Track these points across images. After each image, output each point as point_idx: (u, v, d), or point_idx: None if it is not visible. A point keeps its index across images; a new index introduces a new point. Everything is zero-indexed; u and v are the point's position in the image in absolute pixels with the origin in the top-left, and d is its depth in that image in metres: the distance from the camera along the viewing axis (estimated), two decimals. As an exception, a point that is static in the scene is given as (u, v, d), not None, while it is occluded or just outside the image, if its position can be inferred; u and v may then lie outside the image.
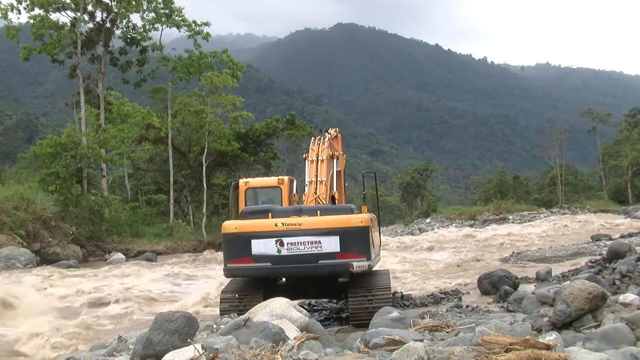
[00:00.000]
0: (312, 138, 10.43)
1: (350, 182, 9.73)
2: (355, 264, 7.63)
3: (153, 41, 33.55)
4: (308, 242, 7.68)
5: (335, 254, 7.67)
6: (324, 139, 10.19)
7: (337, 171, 10.61)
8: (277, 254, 7.70)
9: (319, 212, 8.10)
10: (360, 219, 7.89)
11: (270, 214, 8.08)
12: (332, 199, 9.74)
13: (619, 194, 57.81)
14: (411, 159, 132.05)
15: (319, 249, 7.66)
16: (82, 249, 23.55)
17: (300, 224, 7.78)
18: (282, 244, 7.70)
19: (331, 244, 7.67)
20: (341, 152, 11.51)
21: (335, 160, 10.31)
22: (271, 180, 10.26)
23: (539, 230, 30.69)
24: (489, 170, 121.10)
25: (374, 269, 8.49)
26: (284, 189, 9.69)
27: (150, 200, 38.92)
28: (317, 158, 9.79)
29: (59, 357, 7.41)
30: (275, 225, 7.80)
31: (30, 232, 21.23)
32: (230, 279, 8.79)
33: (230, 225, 8.02)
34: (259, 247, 7.74)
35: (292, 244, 7.69)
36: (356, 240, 7.73)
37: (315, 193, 9.42)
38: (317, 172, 9.65)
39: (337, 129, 11.58)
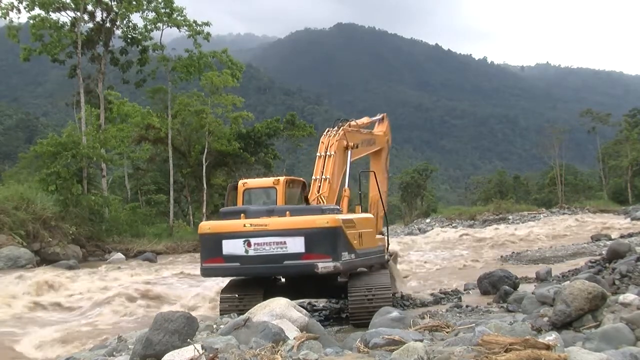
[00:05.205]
0: (327, 130, 9.97)
1: (350, 182, 9.47)
2: (320, 265, 7.54)
3: (154, 41, 33.58)
4: (274, 243, 7.64)
5: (300, 255, 7.60)
6: (337, 130, 9.74)
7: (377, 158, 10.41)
8: (245, 254, 7.71)
9: (288, 212, 8.02)
10: (326, 219, 7.72)
11: (243, 215, 8.06)
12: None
13: (618, 194, 57.84)
14: (411, 159, 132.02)
15: (284, 249, 7.62)
16: (82, 248, 23.51)
17: (266, 225, 7.75)
18: (249, 245, 7.70)
19: (296, 245, 7.60)
20: (383, 135, 11.50)
21: (349, 151, 9.81)
22: (267, 181, 10.20)
23: (538, 230, 30.70)
24: (489, 170, 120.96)
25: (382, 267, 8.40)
26: (279, 189, 9.58)
27: (150, 200, 38.93)
28: (326, 153, 9.50)
29: (59, 357, 7.41)
30: (244, 226, 7.80)
31: (30, 232, 21.19)
32: (229, 279, 8.83)
33: (205, 226, 8.14)
34: (228, 247, 7.78)
35: (258, 244, 7.68)
36: (322, 241, 7.61)
37: (318, 192, 9.27)
38: (323, 168, 9.45)
39: (385, 114, 11.65)
